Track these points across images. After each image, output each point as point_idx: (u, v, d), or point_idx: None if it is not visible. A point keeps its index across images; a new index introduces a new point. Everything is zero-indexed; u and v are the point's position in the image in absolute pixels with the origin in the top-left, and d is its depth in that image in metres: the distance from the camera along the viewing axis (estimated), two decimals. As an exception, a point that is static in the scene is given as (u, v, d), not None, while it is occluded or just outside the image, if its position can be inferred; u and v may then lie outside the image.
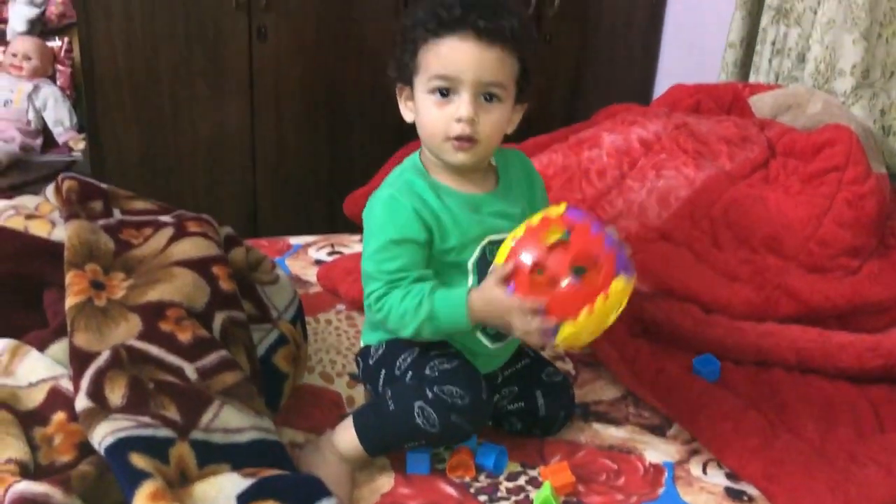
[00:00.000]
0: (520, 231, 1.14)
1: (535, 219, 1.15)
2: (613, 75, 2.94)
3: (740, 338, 1.52)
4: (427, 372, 1.20)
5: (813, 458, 1.26)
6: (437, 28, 1.17)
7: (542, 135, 2.03)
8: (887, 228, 1.70)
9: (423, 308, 1.16)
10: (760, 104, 2.06)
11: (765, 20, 2.27)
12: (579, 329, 1.11)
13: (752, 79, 2.34)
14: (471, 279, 1.23)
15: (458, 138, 1.18)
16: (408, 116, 1.26)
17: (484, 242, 1.23)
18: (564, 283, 1.09)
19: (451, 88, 1.17)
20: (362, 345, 1.35)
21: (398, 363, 1.25)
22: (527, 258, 1.11)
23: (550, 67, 2.81)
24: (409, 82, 1.23)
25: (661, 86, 2.86)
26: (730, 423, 1.31)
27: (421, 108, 1.21)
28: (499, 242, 1.20)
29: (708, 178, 1.74)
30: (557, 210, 1.15)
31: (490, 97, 1.18)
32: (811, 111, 1.95)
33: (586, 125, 2.08)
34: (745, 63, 2.38)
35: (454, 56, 1.16)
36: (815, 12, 2.07)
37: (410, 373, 1.23)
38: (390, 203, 1.20)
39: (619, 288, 1.10)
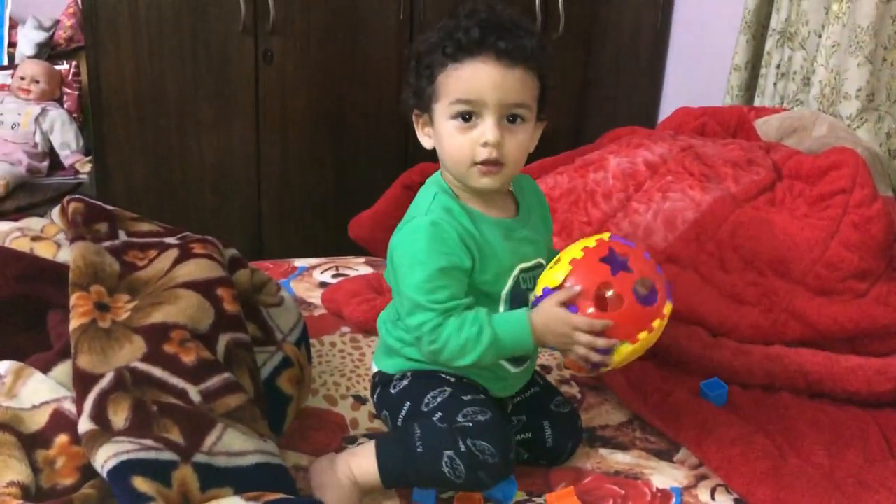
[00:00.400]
0: (577, 253, 1.17)
1: (591, 241, 1.18)
2: (618, 98, 2.94)
3: (748, 361, 1.51)
4: (460, 419, 1.16)
5: (822, 483, 1.24)
6: (455, 52, 1.14)
7: (548, 157, 2.03)
8: (895, 251, 1.69)
9: (485, 334, 1.14)
10: (766, 127, 2.06)
11: (769, 44, 2.27)
12: (636, 349, 1.17)
13: (757, 102, 2.34)
14: (502, 308, 1.21)
15: (485, 162, 1.15)
16: (426, 143, 1.23)
17: (516, 271, 1.22)
18: (629, 304, 1.14)
19: (473, 112, 1.15)
20: (376, 369, 1.31)
21: (426, 399, 1.22)
22: (591, 280, 1.15)
23: (555, 90, 2.82)
24: (427, 109, 1.20)
25: (667, 109, 2.87)
26: (738, 448, 1.30)
27: (443, 134, 1.18)
28: (529, 270, 1.21)
29: (714, 201, 1.74)
30: (606, 235, 1.20)
31: (514, 118, 1.16)
32: (817, 134, 1.95)
33: (592, 148, 2.08)
34: (751, 86, 2.38)
35: (476, 79, 1.13)
36: (820, 36, 2.08)
37: (440, 414, 1.19)
38: (435, 230, 1.15)
39: (669, 311, 1.18)
